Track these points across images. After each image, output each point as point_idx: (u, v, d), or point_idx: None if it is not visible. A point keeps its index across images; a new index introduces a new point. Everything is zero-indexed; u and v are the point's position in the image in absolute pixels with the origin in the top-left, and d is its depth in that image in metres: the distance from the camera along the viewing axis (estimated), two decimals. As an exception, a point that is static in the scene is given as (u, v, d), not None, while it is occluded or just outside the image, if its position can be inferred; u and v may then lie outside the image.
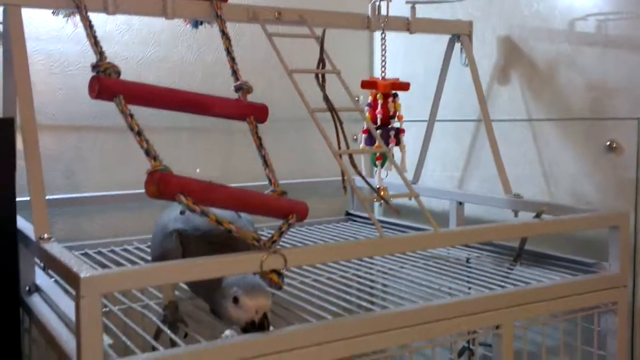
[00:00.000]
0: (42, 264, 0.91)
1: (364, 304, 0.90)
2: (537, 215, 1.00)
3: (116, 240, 1.19)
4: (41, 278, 0.88)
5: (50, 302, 0.81)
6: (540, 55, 1.20)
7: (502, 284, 0.96)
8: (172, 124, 1.30)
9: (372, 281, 1.04)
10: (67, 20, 0.94)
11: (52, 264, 0.70)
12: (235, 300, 0.72)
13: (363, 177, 0.87)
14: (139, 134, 0.76)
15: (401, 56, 1.46)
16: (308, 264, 0.88)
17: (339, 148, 0.89)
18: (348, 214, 1.54)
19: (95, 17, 0.86)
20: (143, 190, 0.70)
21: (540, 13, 1.19)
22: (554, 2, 1.17)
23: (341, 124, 0.92)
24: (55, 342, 0.70)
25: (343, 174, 0.86)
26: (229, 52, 0.97)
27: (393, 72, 1.20)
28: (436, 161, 1.41)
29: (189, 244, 0.80)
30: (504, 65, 1.26)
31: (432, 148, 1.35)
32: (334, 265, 1.05)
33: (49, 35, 1.22)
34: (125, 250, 1.16)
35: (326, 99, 0.93)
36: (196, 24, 1.04)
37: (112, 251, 1.15)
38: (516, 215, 1.15)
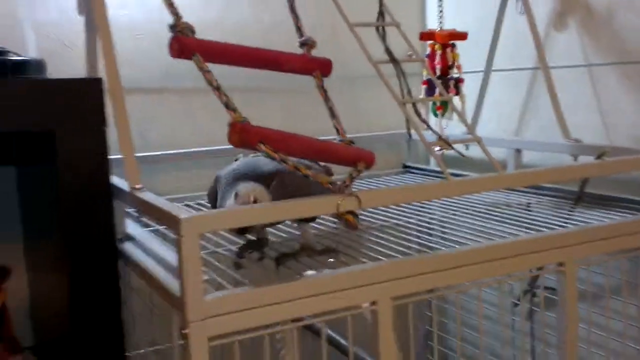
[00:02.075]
0: (135, 213, 0.98)
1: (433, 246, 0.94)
2: (599, 157, 1.02)
3: (191, 195, 1.27)
4: (131, 227, 0.95)
5: (144, 248, 0.88)
6: (597, 0, 1.19)
7: (564, 225, 0.99)
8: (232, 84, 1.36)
9: (431, 228, 1.08)
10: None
11: (149, 210, 0.77)
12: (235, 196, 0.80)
13: (427, 124, 0.90)
14: (217, 88, 0.81)
15: (452, 8, 1.47)
16: (380, 205, 0.93)
17: (403, 98, 0.92)
18: (405, 166, 1.58)
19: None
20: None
21: (598, -44, 1.19)
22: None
23: (404, 74, 0.95)
24: (156, 281, 0.77)
25: (408, 122, 0.90)
26: (292, 9, 1.01)
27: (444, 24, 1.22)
28: (491, 111, 1.43)
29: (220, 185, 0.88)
30: (560, 11, 1.26)
31: (486, 98, 1.37)
32: (394, 211, 1.09)
33: (116, 2, 1.28)
34: (199, 204, 1.23)
35: (388, 50, 0.97)
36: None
37: (187, 205, 1.22)
38: (576, 160, 1.16)
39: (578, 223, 0.99)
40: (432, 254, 0.82)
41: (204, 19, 1.36)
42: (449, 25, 1.21)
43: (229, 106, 0.80)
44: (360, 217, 1.02)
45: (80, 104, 0.82)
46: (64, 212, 0.88)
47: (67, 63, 1.22)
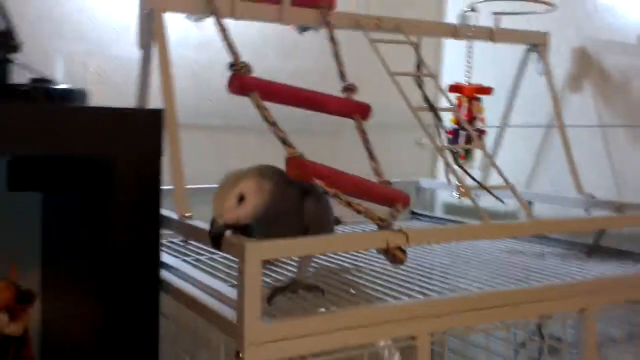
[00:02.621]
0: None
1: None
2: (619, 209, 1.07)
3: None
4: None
5: (180, 274, 0.91)
6: (613, 66, 1.27)
7: (582, 274, 1.04)
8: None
9: (432, 274, 1.12)
10: (197, 24, 1.04)
11: (202, 237, 0.80)
12: None
13: (465, 170, 0.96)
14: (274, 124, 0.86)
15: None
16: (426, 242, 0.97)
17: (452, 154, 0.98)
18: (413, 213, 1.63)
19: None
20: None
21: (613, 25, 1.27)
22: (626, 15, 1.25)
23: (441, 121, 1.01)
24: (203, 306, 0.79)
25: (447, 167, 0.95)
26: (337, 55, 1.07)
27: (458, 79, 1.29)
28: (503, 165, 1.49)
29: None
30: (577, 74, 1.34)
31: (499, 151, 1.44)
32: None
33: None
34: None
35: (427, 99, 1.03)
36: (303, 29, 1.13)
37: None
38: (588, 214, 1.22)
39: (596, 273, 1.03)
40: (469, 294, 0.86)
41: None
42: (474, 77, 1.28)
43: (285, 142, 0.84)
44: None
45: (141, 133, 0.85)
46: (113, 239, 0.91)
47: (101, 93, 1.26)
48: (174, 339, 0.94)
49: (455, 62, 1.55)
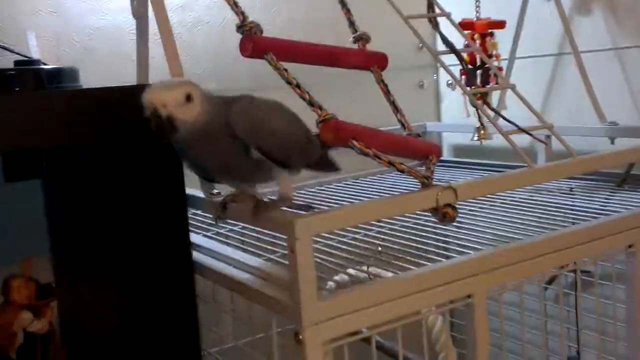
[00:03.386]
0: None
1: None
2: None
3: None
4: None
5: (215, 254, 0.86)
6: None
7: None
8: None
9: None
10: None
11: (242, 216, 0.74)
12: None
13: (499, 113, 0.90)
14: (298, 86, 0.79)
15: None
16: (476, 196, 0.92)
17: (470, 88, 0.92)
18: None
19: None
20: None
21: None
22: None
23: (466, 64, 0.95)
24: (248, 287, 0.74)
25: (478, 113, 0.90)
26: (344, 3, 0.99)
27: (464, 13, 1.22)
28: (512, 98, 1.44)
29: None
30: (584, -3, 1.28)
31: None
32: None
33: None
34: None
35: (446, 41, 0.96)
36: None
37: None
38: (612, 142, 1.18)
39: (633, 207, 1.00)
40: (518, 244, 0.82)
41: (227, 20, 1.32)
42: (468, 14, 1.21)
43: (313, 103, 0.77)
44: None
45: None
46: (138, 224, 0.85)
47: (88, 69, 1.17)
48: (215, 323, 0.90)
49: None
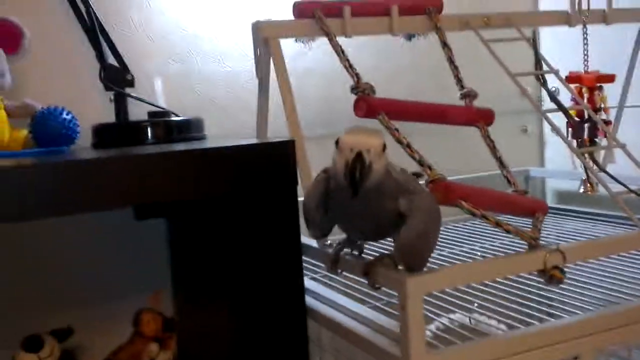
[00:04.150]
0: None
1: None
2: None
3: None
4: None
5: (326, 301, 0.91)
6: None
7: None
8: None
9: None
10: (305, 45, 1.03)
11: (353, 268, 0.79)
12: (336, 143, 0.69)
13: (608, 173, 0.91)
14: (408, 146, 0.84)
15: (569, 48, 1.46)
16: (585, 259, 0.93)
17: (578, 147, 0.93)
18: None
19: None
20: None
21: None
22: None
23: (573, 121, 0.96)
24: (361, 338, 0.79)
25: (587, 171, 0.91)
26: (451, 61, 1.03)
27: (567, 65, 1.22)
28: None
29: None
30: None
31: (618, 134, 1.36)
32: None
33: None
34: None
35: (554, 99, 0.98)
36: (410, 37, 1.10)
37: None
38: None
39: None
40: (626, 307, 0.82)
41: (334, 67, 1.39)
42: (571, 66, 1.21)
43: (423, 163, 0.82)
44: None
45: (274, 166, 0.85)
46: (256, 267, 0.92)
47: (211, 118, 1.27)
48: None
49: (552, 51, 1.48)
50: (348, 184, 0.67)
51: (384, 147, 0.69)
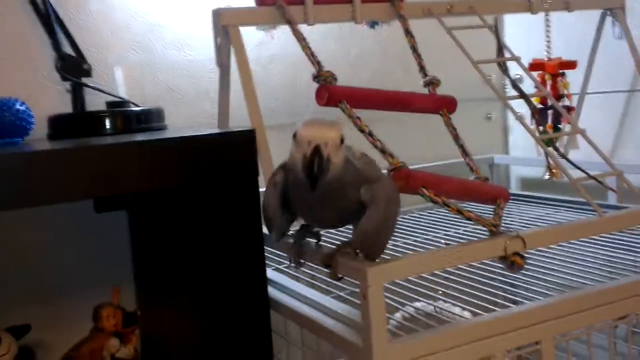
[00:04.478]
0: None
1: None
2: None
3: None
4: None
5: (287, 291, 0.90)
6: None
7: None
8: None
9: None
10: (267, 34, 1.02)
11: (312, 258, 0.78)
12: (294, 136, 0.68)
13: (568, 159, 0.91)
14: (370, 134, 0.83)
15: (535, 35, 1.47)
16: (545, 245, 0.94)
17: (541, 133, 0.94)
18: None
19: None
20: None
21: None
22: None
23: (535, 108, 0.96)
24: (323, 328, 0.78)
25: (547, 158, 0.91)
26: (414, 49, 1.02)
27: (531, 52, 1.23)
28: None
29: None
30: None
31: (580, 121, 1.37)
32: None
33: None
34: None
35: (516, 86, 0.98)
36: (373, 24, 1.10)
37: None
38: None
39: None
40: (588, 291, 0.83)
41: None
42: (536, 52, 1.22)
43: (384, 151, 0.81)
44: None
45: (236, 156, 0.84)
46: (217, 258, 0.91)
47: (172, 107, 1.25)
48: (286, 355, 0.94)
49: (517, 37, 1.50)
50: (306, 178, 0.66)
51: (342, 139, 0.68)
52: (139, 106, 1.12)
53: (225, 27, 0.94)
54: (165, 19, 1.24)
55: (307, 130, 0.67)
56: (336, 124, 0.69)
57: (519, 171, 1.64)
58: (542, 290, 0.91)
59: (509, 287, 0.99)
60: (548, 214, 1.29)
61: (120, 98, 1.14)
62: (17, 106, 0.94)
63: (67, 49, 1.11)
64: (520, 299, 0.89)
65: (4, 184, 0.73)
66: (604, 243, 1.09)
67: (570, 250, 1.06)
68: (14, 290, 1.12)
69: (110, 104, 1.11)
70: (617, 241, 1.08)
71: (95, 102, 1.13)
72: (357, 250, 0.73)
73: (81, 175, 0.77)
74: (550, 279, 0.95)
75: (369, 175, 0.73)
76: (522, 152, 1.61)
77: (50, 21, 1.10)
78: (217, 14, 0.96)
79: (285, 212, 0.76)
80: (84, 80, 1.10)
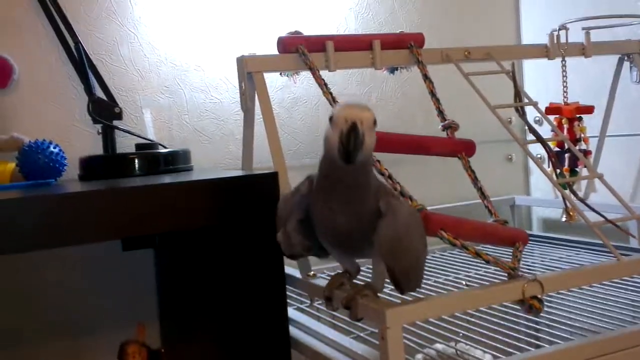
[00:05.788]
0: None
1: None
2: None
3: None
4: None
5: (309, 331, 0.92)
6: None
7: None
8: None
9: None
10: (290, 79, 1.05)
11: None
12: (330, 119, 0.70)
13: (586, 204, 0.92)
14: (390, 177, 0.85)
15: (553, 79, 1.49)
16: (563, 289, 0.94)
17: (556, 177, 0.95)
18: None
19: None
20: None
21: None
22: None
23: (552, 153, 0.98)
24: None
25: (565, 201, 0.92)
26: (433, 93, 1.05)
27: (549, 95, 1.25)
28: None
29: None
30: (675, 78, 1.28)
31: (600, 164, 1.38)
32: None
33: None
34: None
35: (532, 129, 1.00)
36: (393, 70, 1.13)
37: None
38: None
39: None
40: (607, 336, 0.83)
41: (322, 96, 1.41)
42: (554, 95, 1.24)
43: (404, 194, 0.84)
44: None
45: (259, 197, 0.87)
46: (240, 297, 0.93)
47: (198, 148, 1.29)
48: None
49: (536, 81, 1.52)
50: (342, 152, 0.68)
51: (375, 121, 0.71)
52: (166, 148, 1.16)
53: (250, 74, 0.98)
54: (193, 63, 1.30)
55: (344, 111, 0.70)
56: (369, 108, 0.71)
57: (541, 212, 1.64)
58: (564, 335, 0.91)
59: (530, 330, 0.99)
60: (569, 255, 1.29)
61: (149, 140, 1.18)
62: (51, 148, 0.98)
63: (99, 92, 1.16)
64: (542, 343, 0.89)
65: (36, 224, 0.76)
66: (626, 286, 1.08)
67: (593, 292, 1.06)
68: (43, 325, 1.15)
69: (139, 146, 1.15)
70: (638, 284, 1.08)
71: (125, 143, 1.18)
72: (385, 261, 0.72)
73: (110, 216, 0.80)
74: (571, 322, 0.95)
75: (390, 190, 0.76)
76: (543, 194, 1.62)
77: (83, 66, 1.15)
78: (242, 62, 1.00)
79: (303, 230, 0.78)
80: (115, 122, 1.14)
